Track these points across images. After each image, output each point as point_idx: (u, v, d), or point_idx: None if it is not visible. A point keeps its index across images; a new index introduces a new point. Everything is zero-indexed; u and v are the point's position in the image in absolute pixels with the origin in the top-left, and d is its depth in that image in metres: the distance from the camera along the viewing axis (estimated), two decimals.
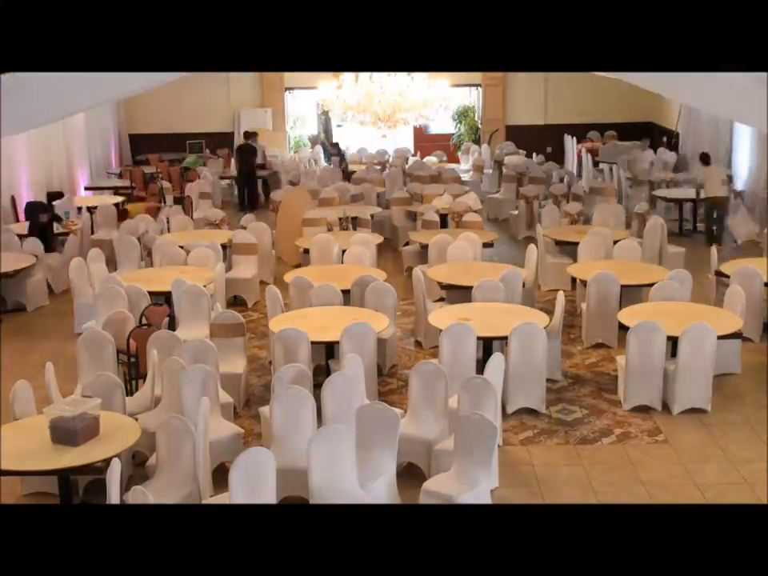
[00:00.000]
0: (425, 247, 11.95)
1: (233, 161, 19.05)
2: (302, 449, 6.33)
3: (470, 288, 9.70)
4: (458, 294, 9.93)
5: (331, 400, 7.00)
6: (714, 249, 11.21)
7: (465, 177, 18.74)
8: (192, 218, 14.07)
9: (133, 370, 8.25)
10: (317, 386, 7.40)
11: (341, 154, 19.24)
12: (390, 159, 19.94)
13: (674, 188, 16.22)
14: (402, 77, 15.22)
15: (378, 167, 18.89)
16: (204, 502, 6.15)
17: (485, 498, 6.17)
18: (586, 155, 18.96)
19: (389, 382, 9.28)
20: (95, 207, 14.91)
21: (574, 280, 11.35)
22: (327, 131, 22.99)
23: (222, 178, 18.60)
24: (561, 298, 9.19)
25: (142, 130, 21.44)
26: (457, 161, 21.76)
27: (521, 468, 7.48)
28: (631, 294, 10.18)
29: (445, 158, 20.43)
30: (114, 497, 5.59)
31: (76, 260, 10.76)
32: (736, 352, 9.12)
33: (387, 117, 15.55)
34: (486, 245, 12.39)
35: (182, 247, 11.32)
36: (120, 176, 18.50)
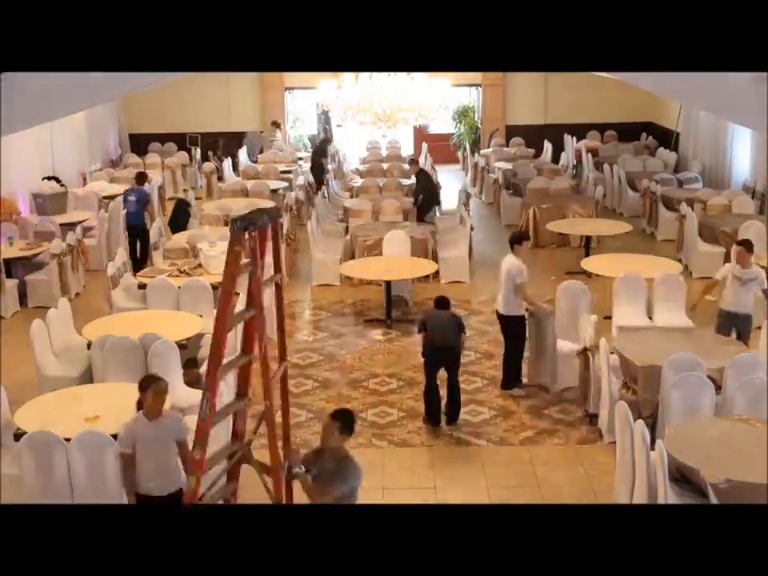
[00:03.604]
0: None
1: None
2: None
3: None
4: None
5: None
6: None
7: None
8: None
9: None
10: None
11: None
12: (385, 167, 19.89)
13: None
14: (402, 77, 15.21)
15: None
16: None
17: None
18: (586, 155, 18.96)
19: (388, 382, 9.28)
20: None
21: None
22: (327, 131, 22.97)
23: None
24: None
25: (142, 130, 21.45)
26: (457, 161, 21.75)
27: (521, 468, 7.49)
28: None
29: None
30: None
31: None
32: None
33: (387, 117, 15.52)
34: None
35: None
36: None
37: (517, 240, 8.97)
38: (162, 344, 7.88)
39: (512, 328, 8.85)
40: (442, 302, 8.32)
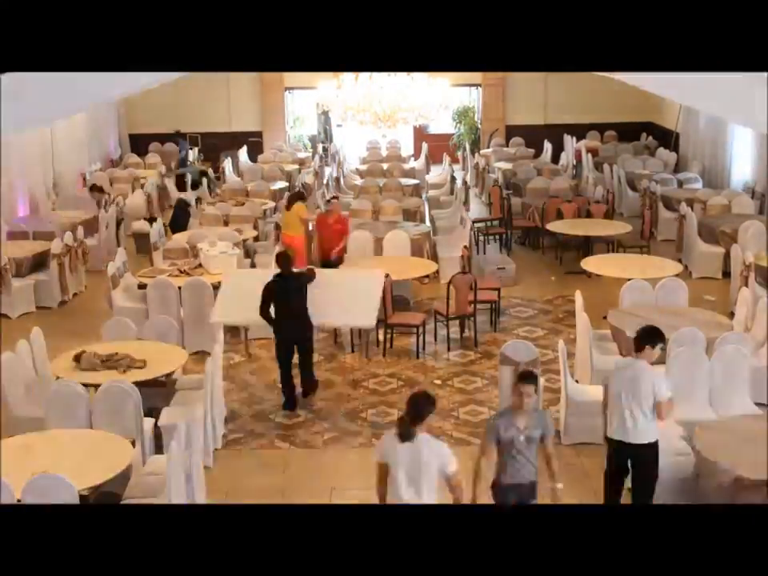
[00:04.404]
0: None
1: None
2: None
3: None
4: None
5: None
6: None
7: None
8: None
9: None
10: None
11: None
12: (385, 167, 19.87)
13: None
14: (402, 77, 15.20)
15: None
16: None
17: None
18: (586, 155, 18.95)
19: (388, 382, 9.28)
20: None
21: None
22: (327, 131, 22.96)
23: None
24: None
25: (142, 130, 21.43)
26: (457, 161, 21.74)
27: None
28: None
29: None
30: None
31: None
32: None
33: (387, 117, 15.51)
34: None
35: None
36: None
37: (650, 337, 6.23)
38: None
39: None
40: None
